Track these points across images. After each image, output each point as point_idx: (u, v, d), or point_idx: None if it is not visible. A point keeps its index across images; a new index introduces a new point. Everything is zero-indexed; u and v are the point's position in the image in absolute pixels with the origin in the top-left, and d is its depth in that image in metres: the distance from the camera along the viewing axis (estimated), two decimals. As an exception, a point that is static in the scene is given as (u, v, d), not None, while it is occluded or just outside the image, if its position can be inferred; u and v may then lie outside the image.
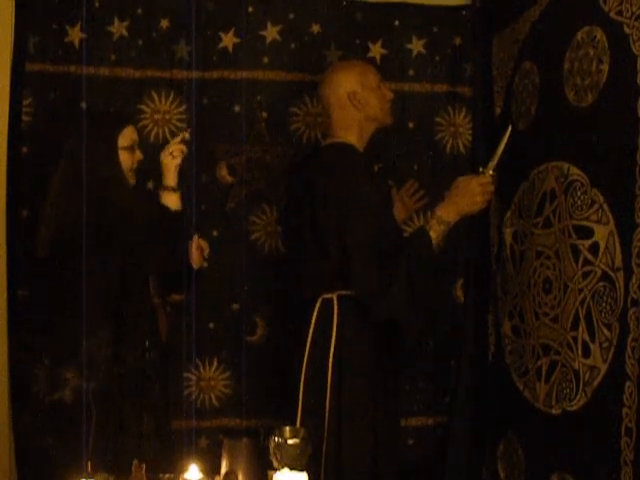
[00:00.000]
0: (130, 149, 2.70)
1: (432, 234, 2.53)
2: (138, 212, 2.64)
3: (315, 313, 2.59)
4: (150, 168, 2.86)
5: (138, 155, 2.74)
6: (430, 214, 2.63)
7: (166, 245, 2.67)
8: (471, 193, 2.55)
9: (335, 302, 2.58)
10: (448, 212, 2.56)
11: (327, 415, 2.53)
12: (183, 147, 2.70)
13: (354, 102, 2.67)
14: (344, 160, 2.62)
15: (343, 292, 2.58)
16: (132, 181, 2.74)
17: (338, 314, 2.57)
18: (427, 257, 2.54)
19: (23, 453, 2.97)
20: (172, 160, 2.67)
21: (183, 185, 2.78)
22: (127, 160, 2.69)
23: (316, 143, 3.08)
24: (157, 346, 2.71)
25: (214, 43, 3.09)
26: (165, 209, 2.67)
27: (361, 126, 2.70)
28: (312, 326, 2.59)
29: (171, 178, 2.68)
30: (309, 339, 2.59)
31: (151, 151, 2.89)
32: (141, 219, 2.63)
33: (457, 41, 3.18)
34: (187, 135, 2.73)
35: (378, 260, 2.50)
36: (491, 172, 2.56)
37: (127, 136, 2.71)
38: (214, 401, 3.13)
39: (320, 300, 2.60)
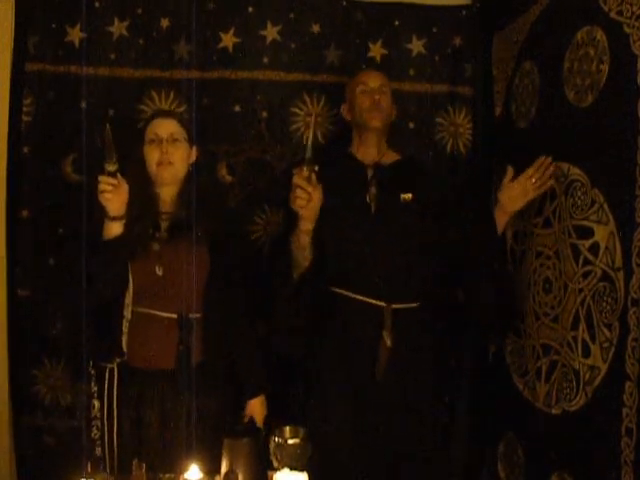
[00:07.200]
0: (152, 142, 2.50)
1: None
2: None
3: None
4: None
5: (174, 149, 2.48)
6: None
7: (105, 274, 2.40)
8: None
9: None
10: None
11: None
12: (113, 181, 2.28)
13: (345, 111, 2.79)
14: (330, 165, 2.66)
15: None
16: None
17: None
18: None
19: (23, 453, 2.97)
20: (105, 201, 2.30)
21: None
22: (153, 155, 2.50)
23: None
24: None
25: (214, 43, 3.10)
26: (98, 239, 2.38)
27: (358, 133, 2.76)
28: None
29: (113, 210, 2.33)
30: None
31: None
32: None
33: (457, 41, 3.18)
34: (111, 166, 2.27)
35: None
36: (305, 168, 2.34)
37: (151, 129, 2.53)
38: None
39: None
